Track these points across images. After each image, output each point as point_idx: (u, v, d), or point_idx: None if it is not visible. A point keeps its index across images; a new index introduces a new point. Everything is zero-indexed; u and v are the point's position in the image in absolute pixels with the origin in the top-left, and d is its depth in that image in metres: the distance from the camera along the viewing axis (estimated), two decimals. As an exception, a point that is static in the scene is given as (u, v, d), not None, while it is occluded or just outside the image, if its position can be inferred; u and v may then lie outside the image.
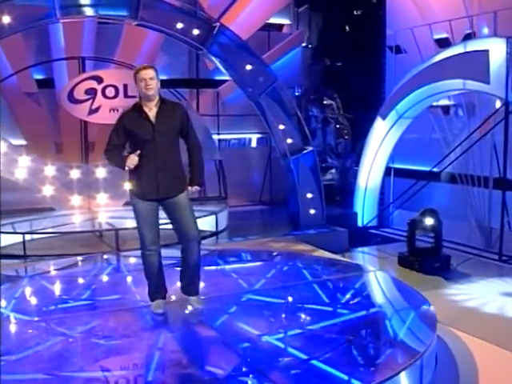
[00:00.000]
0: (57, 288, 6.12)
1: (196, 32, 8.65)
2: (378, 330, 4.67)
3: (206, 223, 9.15)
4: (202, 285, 5.86)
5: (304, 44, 14.01)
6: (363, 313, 5.01)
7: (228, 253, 7.58)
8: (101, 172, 9.40)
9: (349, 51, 13.95)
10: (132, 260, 7.07)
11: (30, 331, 4.68)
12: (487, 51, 8.09)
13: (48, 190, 9.17)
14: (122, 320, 4.92)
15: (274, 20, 12.66)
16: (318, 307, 5.19)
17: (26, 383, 3.77)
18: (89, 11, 8.22)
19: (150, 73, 4.68)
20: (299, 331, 4.59)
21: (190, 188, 4.93)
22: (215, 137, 11.94)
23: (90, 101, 8.97)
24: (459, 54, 8.58)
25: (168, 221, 5.01)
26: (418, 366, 4.04)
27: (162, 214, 4.98)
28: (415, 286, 6.76)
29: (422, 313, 5.02)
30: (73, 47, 9.97)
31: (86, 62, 9.93)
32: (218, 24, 8.78)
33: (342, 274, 6.28)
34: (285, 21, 13.07)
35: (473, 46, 8.44)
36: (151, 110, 4.74)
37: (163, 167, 4.75)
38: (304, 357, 4.08)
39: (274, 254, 7.45)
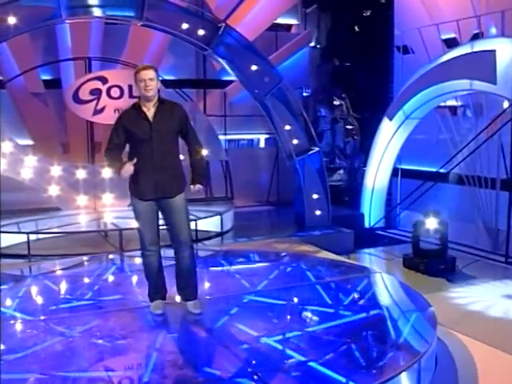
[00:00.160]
0: (58, 288, 6.12)
1: (201, 32, 8.64)
2: (376, 333, 4.62)
3: (211, 224, 9.18)
4: (205, 285, 5.93)
5: (313, 44, 14.00)
6: (363, 315, 4.98)
7: (231, 253, 7.57)
8: (107, 172, 9.42)
9: (357, 51, 13.88)
10: (135, 260, 7.06)
11: (29, 331, 4.70)
12: (494, 51, 8.01)
13: (54, 190, 9.20)
14: (121, 320, 4.92)
15: (281, 20, 12.64)
16: (318, 308, 5.17)
17: (21, 383, 3.78)
18: (95, 12, 8.24)
19: (149, 73, 4.67)
20: (298, 333, 4.56)
21: (192, 187, 4.91)
22: (222, 137, 11.94)
23: (95, 101, 9.00)
24: (466, 54, 8.51)
25: (165, 223, 4.99)
26: (416, 369, 4.01)
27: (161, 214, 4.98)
28: (419, 287, 6.72)
29: (422, 315, 4.98)
30: (80, 48, 10.01)
31: (92, 62, 9.99)
32: (223, 24, 8.76)
33: (344, 276, 6.25)
34: (292, 21, 13.05)
35: (480, 46, 8.36)
36: (150, 110, 4.74)
37: (161, 167, 4.73)
38: (302, 359, 4.07)
39: (277, 255, 7.41)
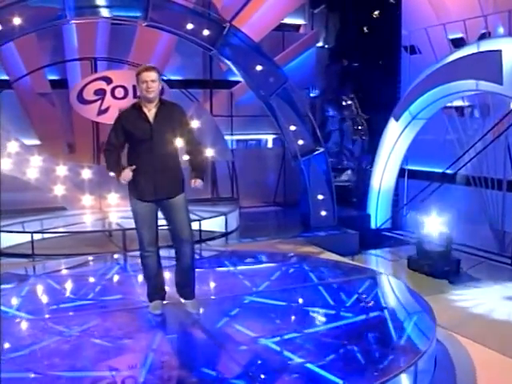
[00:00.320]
0: (59, 287, 6.13)
1: (206, 33, 8.64)
2: (375, 334, 4.59)
3: (215, 224, 9.17)
4: (206, 285, 5.93)
5: (321, 44, 13.97)
6: (362, 317, 4.95)
7: (234, 254, 7.56)
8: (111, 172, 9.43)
9: (366, 52, 13.86)
10: (138, 260, 7.01)
11: (27, 330, 4.74)
12: (500, 51, 7.92)
13: (60, 190, 9.23)
14: (120, 320, 4.94)
15: (288, 20, 12.60)
16: (317, 310, 5.16)
17: (16, 382, 3.79)
18: (100, 12, 8.29)
19: (151, 75, 4.65)
20: (296, 334, 4.54)
21: (192, 182, 4.87)
22: (229, 137, 11.95)
23: (99, 101, 9.03)
24: (472, 54, 8.43)
25: (166, 222, 4.99)
26: (413, 371, 3.98)
27: (160, 215, 4.97)
28: (422, 289, 6.70)
29: (421, 317, 4.94)
30: (86, 48, 10.05)
31: (98, 62, 10.03)
32: (227, 25, 8.75)
33: (345, 277, 6.22)
34: (300, 21, 13.01)
35: (486, 45, 8.28)
36: (150, 111, 4.72)
37: (161, 168, 4.72)
38: (298, 360, 4.05)
39: (279, 255, 7.40)
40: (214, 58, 9.93)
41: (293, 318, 5.02)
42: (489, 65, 8.08)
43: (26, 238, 7.94)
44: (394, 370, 3.89)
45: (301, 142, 9.44)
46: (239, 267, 6.90)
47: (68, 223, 8.92)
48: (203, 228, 8.74)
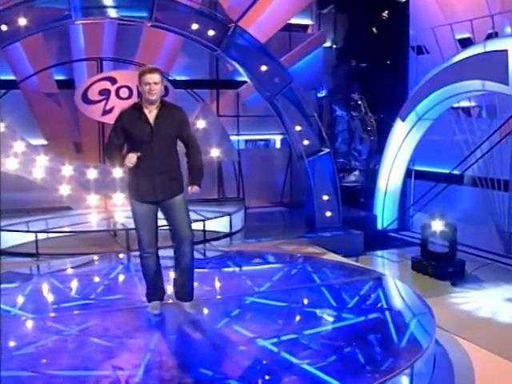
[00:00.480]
0: (61, 287, 6.14)
1: (211, 33, 8.64)
2: (373, 336, 4.56)
3: (220, 224, 9.17)
4: (207, 286, 5.92)
5: (328, 44, 13.93)
6: (361, 318, 4.93)
7: (236, 254, 7.55)
8: (118, 172, 9.46)
9: (374, 52, 13.80)
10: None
11: (26, 329, 4.76)
12: (506, 51, 7.85)
13: (65, 190, 9.26)
14: (119, 320, 4.95)
15: (295, 21, 12.56)
16: (315, 311, 5.15)
17: (12, 380, 3.80)
18: (105, 13, 8.32)
19: (155, 77, 4.62)
20: (294, 335, 4.52)
21: (189, 189, 4.90)
22: (237, 138, 11.95)
23: (104, 101, 9.07)
24: (478, 54, 8.36)
25: (167, 222, 4.99)
26: (409, 373, 3.96)
27: (160, 215, 4.98)
28: (425, 291, 6.67)
29: (420, 319, 4.89)
30: (93, 48, 10.08)
31: (104, 63, 10.06)
32: (232, 25, 8.74)
33: (346, 278, 6.19)
34: (307, 21, 12.97)
35: (492, 45, 8.21)
36: (151, 112, 4.71)
37: (160, 169, 4.72)
38: (295, 361, 4.04)
39: (282, 256, 7.37)
40: (220, 58, 9.93)
41: (292, 319, 4.99)
42: (495, 65, 8.01)
43: (31, 237, 7.98)
44: (390, 371, 3.85)
45: (306, 143, 9.41)
46: (241, 267, 6.90)
47: (73, 223, 8.96)
48: (208, 228, 8.76)
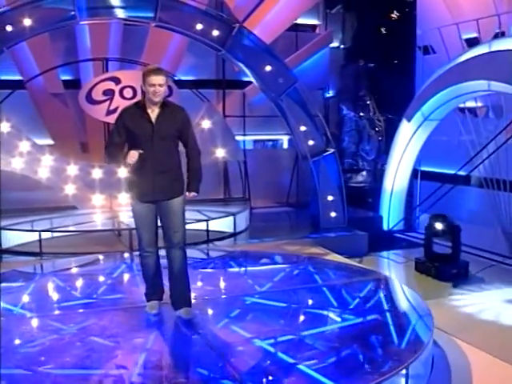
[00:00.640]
0: (62, 286, 6.19)
1: (215, 33, 8.64)
2: (370, 337, 4.54)
3: (224, 224, 9.18)
4: (207, 286, 5.93)
5: (336, 44, 13.89)
6: (359, 320, 4.91)
7: (238, 255, 7.55)
8: (123, 172, 9.49)
9: (382, 52, 13.75)
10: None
11: (24, 327, 4.78)
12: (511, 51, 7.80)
13: (71, 189, 9.31)
14: (116, 319, 4.97)
15: (302, 21, 12.54)
16: (314, 312, 5.16)
17: (5, 378, 3.83)
18: (109, 13, 8.36)
19: (160, 79, 4.60)
20: (291, 337, 4.52)
21: (187, 193, 4.88)
22: (245, 138, 11.95)
23: (108, 101, 9.10)
24: (483, 54, 8.30)
25: (161, 223, 4.99)
26: (404, 375, 3.94)
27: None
28: (427, 292, 6.65)
29: (418, 321, 4.86)
30: (99, 48, 10.12)
31: (110, 63, 10.11)
32: (237, 25, 8.74)
33: (347, 279, 6.18)
34: (314, 21, 12.94)
35: (498, 45, 8.15)
36: (154, 112, 4.71)
37: (160, 169, 4.71)
38: (290, 362, 4.03)
39: (284, 257, 7.35)
40: (224, 58, 9.93)
41: (290, 319, 4.97)
42: (501, 65, 7.95)
43: (35, 236, 8.04)
44: (384, 373, 3.84)
45: (311, 143, 9.39)
46: (242, 268, 6.90)
47: (78, 222, 9.01)
48: (212, 228, 8.77)
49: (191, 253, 6.48)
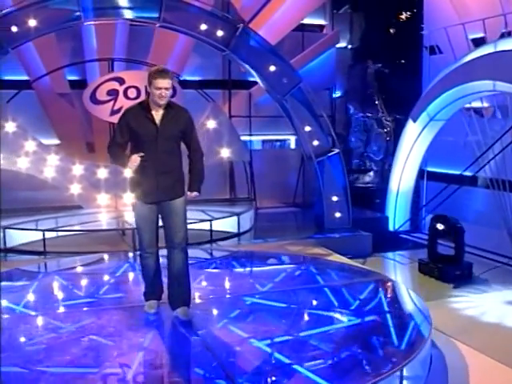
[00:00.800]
0: (64, 285, 6.23)
1: (220, 33, 8.63)
2: (366, 339, 4.53)
3: (228, 224, 9.19)
4: (207, 286, 5.94)
5: (344, 45, 13.84)
6: (356, 321, 4.90)
7: (240, 255, 7.56)
8: (128, 172, 9.52)
9: (389, 52, 13.68)
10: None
11: (22, 326, 4.81)
12: (517, 51, 7.74)
13: (76, 189, 9.36)
14: (114, 318, 5.00)
15: (309, 21, 12.51)
16: (312, 312, 5.16)
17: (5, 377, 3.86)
18: (114, 14, 8.40)
19: (166, 83, 4.59)
20: (288, 337, 4.52)
21: (189, 193, 4.90)
22: (247, 138, 11.95)
23: (112, 102, 9.14)
24: (488, 53, 8.24)
25: (163, 224, 4.99)
26: (398, 376, 3.92)
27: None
28: (428, 294, 6.63)
29: (416, 323, 4.84)
30: (105, 49, 10.15)
31: (116, 63, 10.15)
32: (241, 25, 8.74)
33: (347, 280, 6.17)
34: (320, 21, 12.92)
35: (503, 45, 8.09)
36: (158, 113, 4.71)
37: (163, 170, 4.72)
38: (286, 362, 4.03)
39: (285, 257, 7.35)
40: (228, 58, 9.93)
41: (288, 320, 4.96)
42: (506, 65, 7.88)
43: (40, 235, 8.08)
44: (379, 374, 3.82)
45: (316, 143, 9.37)
46: (242, 268, 6.90)
47: (82, 221, 9.06)
48: (217, 228, 8.78)
49: (193, 252, 6.53)
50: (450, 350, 4.93)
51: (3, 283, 5.98)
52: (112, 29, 10.11)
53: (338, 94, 13.90)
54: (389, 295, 5.67)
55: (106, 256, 7.46)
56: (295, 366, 3.96)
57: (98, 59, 10.18)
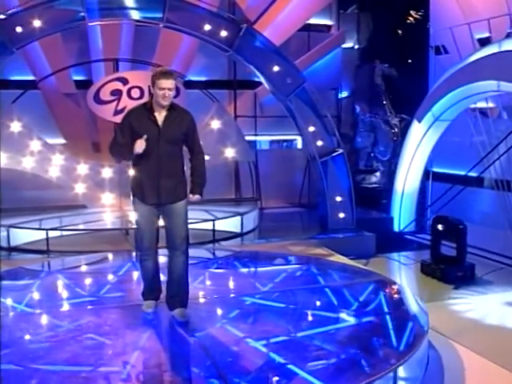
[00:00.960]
0: (64, 283, 6.28)
1: (223, 34, 8.63)
2: (363, 339, 4.52)
3: (232, 224, 9.20)
4: (206, 286, 5.95)
5: (351, 45, 13.81)
6: (354, 321, 4.90)
7: (241, 255, 7.56)
8: (132, 172, 9.57)
9: (396, 52, 13.64)
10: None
11: (20, 324, 4.84)
12: (521, 51, 7.69)
13: (81, 188, 9.41)
14: (113, 317, 5.04)
15: (315, 21, 12.48)
16: (311, 312, 5.17)
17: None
18: (117, 14, 8.44)
19: (170, 83, 4.60)
20: (284, 338, 4.52)
21: (191, 196, 4.91)
22: (253, 138, 11.96)
23: (116, 102, 9.18)
24: (493, 53, 8.19)
25: (165, 226, 5.01)
26: (391, 377, 3.92)
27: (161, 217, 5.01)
28: (429, 295, 6.61)
29: (413, 324, 4.82)
30: (110, 49, 10.19)
31: (121, 63, 10.19)
32: (244, 25, 8.74)
33: (347, 281, 6.16)
34: (326, 21, 12.89)
35: (508, 45, 8.03)
36: (161, 114, 4.72)
37: (165, 172, 4.72)
38: (281, 362, 4.03)
39: (286, 257, 7.34)
40: (232, 58, 9.93)
41: (286, 320, 4.96)
42: (510, 65, 7.83)
43: (44, 234, 8.13)
44: (373, 375, 3.82)
45: (320, 143, 9.35)
46: (243, 268, 6.91)
47: (87, 221, 9.10)
48: (220, 228, 8.80)
49: (195, 252, 6.55)
50: (447, 352, 4.91)
51: (7, 282, 6.03)
52: (118, 29, 10.15)
53: (344, 94, 13.87)
54: (387, 296, 5.65)
55: (109, 255, 7.49)
56: (290, 366, 3.96)
57: (104, 59, 10.22)
